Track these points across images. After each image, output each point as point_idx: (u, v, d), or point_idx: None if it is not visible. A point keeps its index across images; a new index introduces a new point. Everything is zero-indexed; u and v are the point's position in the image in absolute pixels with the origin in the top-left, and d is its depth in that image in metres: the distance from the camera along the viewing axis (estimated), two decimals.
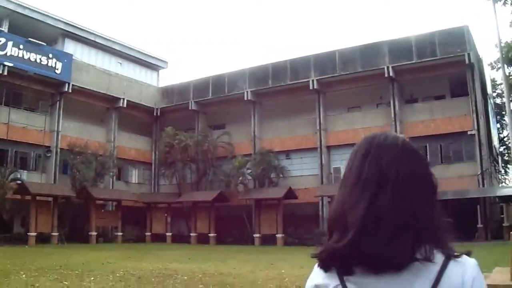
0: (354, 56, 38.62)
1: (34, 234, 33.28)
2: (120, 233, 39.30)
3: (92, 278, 14.63)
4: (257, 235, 37.32)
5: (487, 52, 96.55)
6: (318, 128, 39.69)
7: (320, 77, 39.64)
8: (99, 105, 43.71)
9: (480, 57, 40.36)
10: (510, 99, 23.23)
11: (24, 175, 36.94)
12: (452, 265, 1.30)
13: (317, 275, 1.40)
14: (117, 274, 15.80)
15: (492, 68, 44.78)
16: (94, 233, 37.03)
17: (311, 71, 40.00)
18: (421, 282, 1.27)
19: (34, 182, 35.77)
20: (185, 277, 15.08)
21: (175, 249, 30.26)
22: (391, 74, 36.65)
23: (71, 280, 14.15)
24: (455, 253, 1.32)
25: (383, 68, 36.88)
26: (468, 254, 1.35)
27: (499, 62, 35.04)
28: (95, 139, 41.28)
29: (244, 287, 13.27)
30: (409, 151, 1.41)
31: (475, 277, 1.30)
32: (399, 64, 36.69)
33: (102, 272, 16.30)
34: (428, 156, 36.05)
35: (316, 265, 1.41)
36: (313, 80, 39.60)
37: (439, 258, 1.30)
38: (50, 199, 35.52)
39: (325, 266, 1.38)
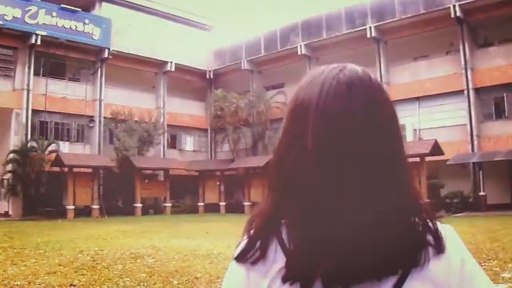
0: None
1: (72, 207, 32.30)
2: (168, 204, 37.64)
3: (34, 260, 12.52)
4: None
5: None
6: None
7: (379, 23, 35.55)
8: (145, 71, 42.01)
9: None
10: None
11: (66, 146, 35.97)
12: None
13: None
14: (79, 255, 13.62)
15: None
16: (139, 205, 35.54)
17: (368, 18, 35.96)
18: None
19: (70, 153, 34.56)
20: (151, 260, 12.60)
21: (213, 221, 27.90)
22: (458, 14, 31.74)
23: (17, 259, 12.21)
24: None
25: (449, 7, 32.19)
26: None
27: None
28: (144, 107, 39.60)
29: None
30: (383, 100, 1.04)
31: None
32: (468, 1, 31.78)
33: (69, 251, 14.20)
34: (506, 108, 31.68)
35: None
36: (370, 27, 35.61)
37: None
38: (89, 170, 34.30)
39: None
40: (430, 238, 1.00)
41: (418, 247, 0.98)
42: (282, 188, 1.04)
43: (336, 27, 37.74)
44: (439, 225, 1.04)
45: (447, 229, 1.05)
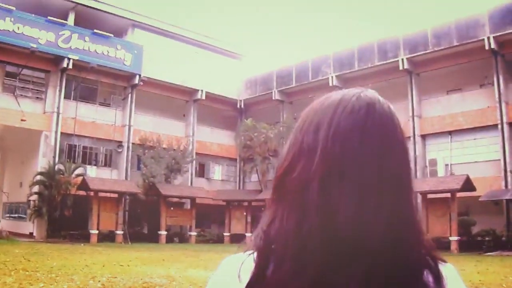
0: (449, 29, 33.34)
1: (96, 232, 32.04)
2: (194, 233, 37.14)
3: (42, 285, 12.16)
4: None
5: None
6: (411, 114, 34.99)
7: (411, 56, 34.87)
8: (175, 98, 41.97)
9: None
10: None
11: (93, 170, 35.93)
12: None
13: None
14: (91, 281, 13.20)
15: None
16: (163, 233, 35.11)
17: (401, 50, 35.35)
18: None
19: (97, 177, 34.45)
20: None
21: (236, 252, 27.30)
22: (492, 46, 30.91)
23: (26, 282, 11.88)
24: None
25: (483, 39, 31.41)
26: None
27: None
28: (173, 134, 39.48)
29: None
30: (398, 125, 0.98)
31: None
32: (503, 33, 30.88)
33: (81, 277, 13.81)
34: None
35: None
36: (403, 59, 34.97)
37: None
38: (115, 195, 34.10)
39: None
40: (429, 278, 0.90)
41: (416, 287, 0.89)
42: (282, 199, 0.95)
43: (368, 59, 37.25)
44: (440, 264, 0.94)
45: (448, 268, 0.96)
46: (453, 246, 27.15)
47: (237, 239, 37.61)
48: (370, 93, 0.98)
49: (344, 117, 0.92)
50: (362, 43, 38.25)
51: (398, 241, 0.87)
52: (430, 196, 28.28)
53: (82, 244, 28.63)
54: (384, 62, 36.23)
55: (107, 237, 32.70)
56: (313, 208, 0.88)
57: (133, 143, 37.78)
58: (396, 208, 0.89)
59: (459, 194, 27.70)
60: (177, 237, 37.21)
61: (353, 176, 0.87)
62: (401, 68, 35.10)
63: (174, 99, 41.97)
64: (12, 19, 32.28)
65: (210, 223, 40.17)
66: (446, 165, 33.26)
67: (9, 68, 33.79)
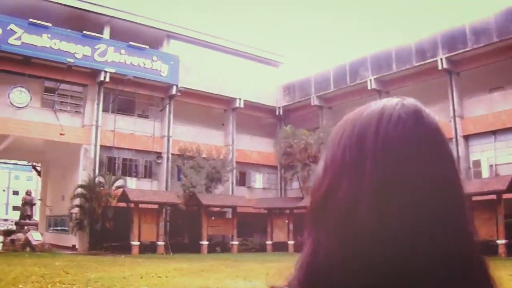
0: (488, 24, 32.17)
1: (137, 243, 32.10)
2: (236, 242, 36.85)
3: None
4: None
5: None
6: (452, 115, 33.96)
7: (450, 54, 33.86)
8: (214, 107, 41.91)
9: None
10: None
11: (133, 182, 36.09)
12: None
13: None
14: None
15: None
16: (205, 242, 34.95)
17: (439, 49, 34.42)
18: None
19: (137, 189, 34.58)
20: None
21: (279, 261, 26.71)
22: None
23: None
24: None
25: None
26: None
27: None
28: (212, 143, 39.40)
29: None
30: (443, 134, 0.89)
31: None
32: None
33: None
34: None
35: None
36: (441, 59, 33.99)
37: None
38: (155, 206, 34.12)
39: None
40: None
41: None
42: (323, 224, 0.85)
43: (406, 60, 36.35)
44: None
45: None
46: (501, 250, 26.03)
47: (279, 247, 37.22)
48: (413, 101, 0.88)
49: (392, 126, 0.83)
50: (399, 44, 37.44)
51: (456, 258, 0.79)
52: (475, 198, 27.27)
53: (123, 256, 28.68)
54: (423, 62, 35.29)
55: (148, 248, 32.70)
56: (365, 230, 0.78)
57: (172, 154, 37.77)
58: (456, 225, 0.81)
59: (505, 196, 26.61)
60: (219, 246, 36.97)
61: (408, 191, 0.78)
62: (440, 67, 34.05)
63: (212, 108, 41.91)
64: (49, 35, 32.85)
65: (252, 231, 39.81)
66: (491, 165, 32.13)
67: (48, 84, 34.32)
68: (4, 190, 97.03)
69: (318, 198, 0.86)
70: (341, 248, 0.79)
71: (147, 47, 37.26)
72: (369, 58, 38.77)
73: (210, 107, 41.57)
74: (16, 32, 31.71)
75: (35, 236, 30.45)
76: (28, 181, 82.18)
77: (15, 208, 39.70)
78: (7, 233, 33.44)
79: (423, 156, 0.81)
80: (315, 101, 42.16)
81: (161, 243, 33.39)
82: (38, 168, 47.17)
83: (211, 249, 35.37)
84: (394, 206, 0.77)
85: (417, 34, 37.11)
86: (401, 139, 0.82)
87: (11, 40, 31.50)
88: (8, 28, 31.49)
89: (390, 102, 0.88)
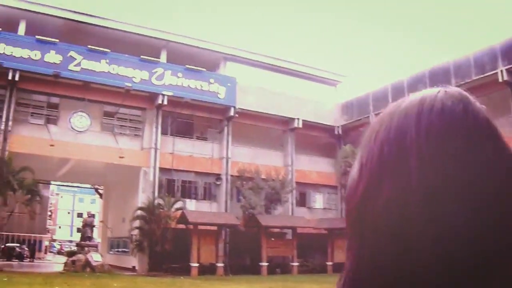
0: None
1: (196, 264, 32.08)
2: (296, 263, 36.29)
3: None
4: None
5: None
6: None
7: (510, 66, 32.66)
8: (272, 128, 41.74)
9: None
10: None
11: (192, 204, 36.20)
12: None
13: None
14: None
15: None
16: (265, 264, 34.59)
17: (498, 61, 33.14)
18: None
19: (196, 211, 34.69)
20: None
21: None
22: None
23: None
24: None
25: None
26: None
27: None
28: (271, 164, 39.21)
29: None
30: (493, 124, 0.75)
31: None
32: None
33: None
34: None
35: None
36: (502, 71, 32.64)
37: None
38: (214, 228, 34.09)
39: None
40: None
41: None
42: (363, 234, 0.72)
43: (465, 74, 35.22)
44: None
45: None
46: None
47: (340, 268, 36.13)
48: (456, 88, 0.76)
49: (435, 116, 0.70)
50: (457, 57, 36.37)
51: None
52: None
53: (182, 278, 28.71)
54: (482, 75, 34.10)
55: (208, 270, 32.62)
56: (417, 230, 0.67)
57: (231, 175, 37.76)
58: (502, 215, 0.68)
59: None
60: (279, 268, 36.46)
61: (462, 187, 0.67)
62: (500, 80, 32.90)
63: (270, 129, 41.76)
64: (107, 61, 33.74)
65: (312, 252, 39.13)
66: None
67: (107, 108, 35.20)
68: (68, 213, 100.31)
69: (355, 204, 0.72)
70: (391, 254, 0.67)
71: (204, 69, 37.66)
72: (427, 73, 37.80)
73: (268, 128, 41.43)
74: (75, 59, 32.77)
75: (95, 257, 30.97)
76: (92, 204, 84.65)
77: (79, 230, 40.51)
78: (70, 254, 34.14)
79: (475, 148, 0.69)
80: (373, 119, 41.26)
81: (220, 264, 33.30)
82: (100, 191, 48.30)
83: (271, 271, 34.94)
84: (448, 204, 0.66)
85: (475, 47, 35.71)
86: (448, 130, 0.70)
87: (71, 67, 32.55)
88: (68, 55, 32.61)
89: (430, 90, 0.76)
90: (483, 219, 0.66)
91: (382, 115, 0.77)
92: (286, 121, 41.85)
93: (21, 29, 33.24)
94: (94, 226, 36.03)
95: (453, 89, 0.75)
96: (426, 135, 0.69)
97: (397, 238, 0.68)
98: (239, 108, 38.41)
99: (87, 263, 30.08)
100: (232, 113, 38.34)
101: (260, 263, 34.62)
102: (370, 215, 0.69)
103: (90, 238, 34.04)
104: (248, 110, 38.95)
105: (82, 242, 33.34)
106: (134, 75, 34.49)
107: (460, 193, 0.66)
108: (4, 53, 31.07)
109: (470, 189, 0.66)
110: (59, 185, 66.28)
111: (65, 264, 31.71)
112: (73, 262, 30.59)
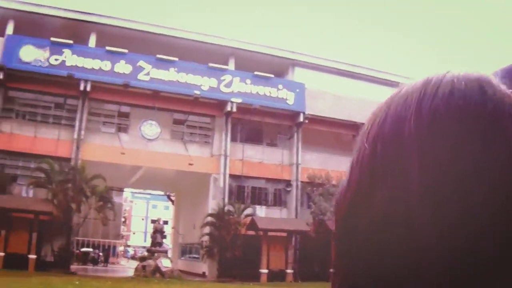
0: None
1: (266, 271, 32.02)
2: None
3: None
4: None
5: None
6: None
7: None
8: (342, 133, 41.04)
9: None
10: None
11: (262, 210, 36.17)
12: None
13: None
14: None
15: None
16: (332, 270, 34.08)
17: None
18: None
19: (265, 217, 34.63)
20: None
21: None
22: None
23: None
24: None
25: None
26: None
27: None
28: (342, 170, 38.42)
29: None
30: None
31: None
32: None
33: None
34: None
35: None
36: None
37: None
38: (284, 234, 33.90)
39: None
40: None
41: None
42: (352, 247, 0.57)
43: None
44: None
45: None
46: None
47: None
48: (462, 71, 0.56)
49: (443, 101, 0.51)
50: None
51: None
52: None
53: (251, 284, 28.64)
54: None
55: (277, 276, 32.47)
56: (421, 243, 0.50)
57: (301, 181, 37.51)
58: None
59: None
60: None
61: (475, 188, 0.49)
62: None
63: (340, 134, 41.07)
64: (176, 69, 34.34)
65: None
66: None
67: (176, 116, 35.83)
68: (142, 219, 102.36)
69: (342, 212, 0.57)
70: (385, 268, 0.53)
71: (272, 76, 37.66)
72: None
73: (338, 133, 40.78)
74: (144, 68, 33.56)
75: (165, 263, 31.39)
76: (165, 210, 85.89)
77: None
78: (142, 259, 34.76)
79: (494, 145, 0.50)
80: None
81: (290, 271, 33.13)
82: (172, 198, 49.09)
83: None
84: (457, 216, 0.49)
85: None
86: (459, 120, 0.51)
87: (141, 76, 33.34)
88: (137, 65, 33.44)
89: (439, 73, 0.55)
90: (496, 223, 0.49)
91: (379, 105, 0.59)
92: (357, 126, 40.64)
93: (92, 41, 34.40)
94: (164, 232, 36.53)
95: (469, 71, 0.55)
96: (428, 127, 0.51)
97: (398, 251, 0.51)
98: (308, 113, 38.13)
99: (157, 269, 30.51)
100: (301, 119, 38.13)
101: (331, 270, 34.07)
102: (361, 225, 0.53)
103: (160, 244, 34.49)
104: (318, 115, 38.60)
105: (152, 248, 33.92)
106: (202, 83, 34.95)
107: (471, 203, 0.49)
108: (76, 65, 32.29)
109: (483, 197, 0.49)
110: (132, 192, 67.83)
111: (136, 269, 32.38)
112: (143, 267, 31.14)
